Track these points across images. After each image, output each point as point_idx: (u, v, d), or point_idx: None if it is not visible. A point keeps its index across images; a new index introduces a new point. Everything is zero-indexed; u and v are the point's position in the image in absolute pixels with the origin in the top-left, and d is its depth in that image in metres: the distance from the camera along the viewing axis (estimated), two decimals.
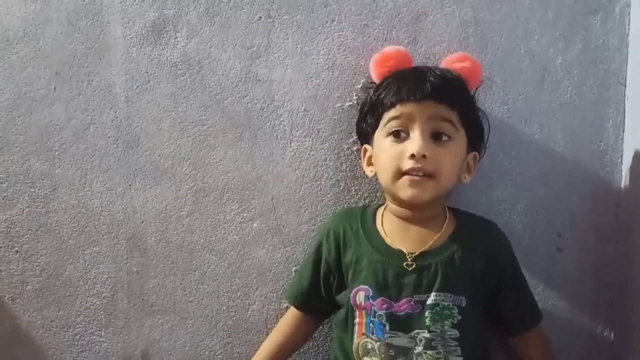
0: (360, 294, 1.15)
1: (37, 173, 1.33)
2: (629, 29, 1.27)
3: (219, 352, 1.35)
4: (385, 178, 1.14)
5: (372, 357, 1.13)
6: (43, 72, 1.31)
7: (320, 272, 1.21)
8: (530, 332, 1.20)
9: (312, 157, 1.31)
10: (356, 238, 1.18)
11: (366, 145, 1.21)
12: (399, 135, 1.13)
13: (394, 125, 1.13)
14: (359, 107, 1.25)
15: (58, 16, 1.30)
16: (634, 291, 1.23)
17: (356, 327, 1.15)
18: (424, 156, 1.09)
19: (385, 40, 1.28)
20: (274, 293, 1.33)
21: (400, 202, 1.15)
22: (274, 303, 1.33)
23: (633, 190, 1.25)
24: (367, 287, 1.14)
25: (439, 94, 1.11)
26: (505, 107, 1.29)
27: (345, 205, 1.30)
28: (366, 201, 1.30)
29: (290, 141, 1.31)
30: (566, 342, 1.27)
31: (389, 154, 1.13)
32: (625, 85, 1.28)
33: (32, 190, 1.33)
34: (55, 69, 1.31)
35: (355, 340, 1.15)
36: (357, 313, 1.15)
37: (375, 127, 1.17)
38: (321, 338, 1.32)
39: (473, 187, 1.29)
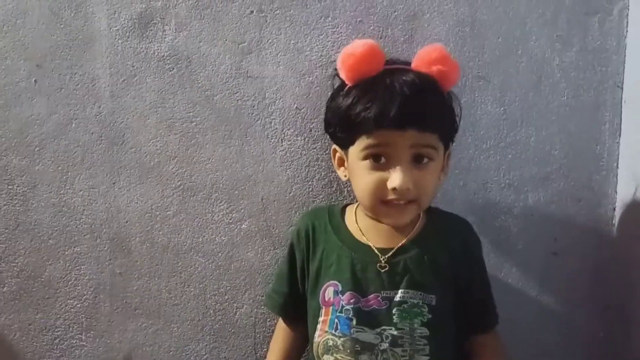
0: (329, 290, 1.13)
1: (15, 169, 1.28)
2: (626, 31, 1.26)
3: (205, 357, 1.31)
4: (365, 203, 1.11)
5: (334, 354, 1.11)
6: (23, 64, 1.26)
7: (297, 275, 1.18)
8: (485, 336, 1.16)
9: (304, 157, 1.28)
10: (325, 234, 1.16)
11: (336, 147, 1.15)
12: (378, 159, 1.07)
13: (371, 151, 1.07)
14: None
15: (40, 6, 1.25)
16: (630, 295, 1.23)
17: (319, 326, 1.13)
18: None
19: (380, 38, 1.25)
20: (262, 296, 1.29)
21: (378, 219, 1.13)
22: (262, 306, 1.30)
23: (629, 194, 1.24)
24: (336, 282, 1.12)
25: (421, 123, 1.05)
26: (502, 108, 1.27)
27: None
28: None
29: (282, 140, 1.27)
30: (562, 346, 1.26)
31: (369, 180, 1.07)
32: (622, 88, 1.27)
33: (10, 187, 1.28)
34: (36, 61, 1.26)
35: (317, 339, 1.13)
36: (322, 311, 1.13)
37: (348, 143, 1.10)
38: None
39: (468, 189, 1.28)
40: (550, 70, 1.26)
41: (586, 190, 1.28)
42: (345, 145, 1.12)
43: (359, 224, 1.15)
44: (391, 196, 1.07)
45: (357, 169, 1.10)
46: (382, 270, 1.11)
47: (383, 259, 1.11)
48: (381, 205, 1.08)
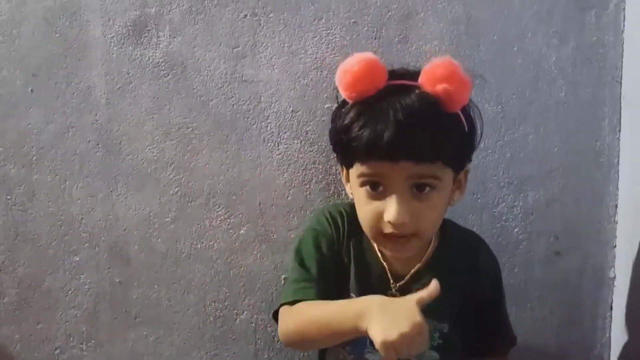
0: None
1: (13, 179, 1.27)
2: (624, 25, 1.25)
3: None
4: (366, 231, 1.05)
5: None
6: (19, 74, 1.26)
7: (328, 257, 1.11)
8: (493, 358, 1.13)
9: (301, 160, 1.27)
10: (346, 238, 1.11)
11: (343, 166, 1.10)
12: (375, 187, 1.00)
13: (367, 179, 1.01)
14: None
15: (34, 15, 1.24)
16: (634, 294, 1.20)
17: None
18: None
19: (375, 39, 1.25)
20: (262, 302, 1.28)
21: None
22: (262, 312, 1.28)
23: (631, 191, 1.22)
24: (353, 295, 1.09)
25: (416, 155, 0.96)
26: (499, 106, 1.26)
27: None
28: None
29: (278, 144, 1.26)
30: (565, 346, 1.24)
31: (367, 209, 1.02)
32: (621, 83, 1.26)
33: (8, 197, 1.28)
34: (32, 71, 1.26)
35: (331, 347, 1.11)
36: None
37: (348, 165, 1.06)
38: None
39: (467, 190, 1.24)
40: (547, 67, 1.26)
41: (587, 187, 1.27)
42: (346, 166, 1.07)
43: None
44: (388, 229, 1.00)
45: (356, 194, 1.05)
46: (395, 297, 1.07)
47: (394, 287, 1.08)
48: (381, 237, 1.02)
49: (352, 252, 1.11)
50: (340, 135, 1.03)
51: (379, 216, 1.00)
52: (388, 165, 0.97)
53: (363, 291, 1.07)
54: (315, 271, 1.08)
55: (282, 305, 1.07)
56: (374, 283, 1.09)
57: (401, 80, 1.02)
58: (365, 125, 0.97)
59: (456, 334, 1.09)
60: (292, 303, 1.05)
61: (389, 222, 0.98)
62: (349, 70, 1.01)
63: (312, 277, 1.08)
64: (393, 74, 1.03)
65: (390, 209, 0.98)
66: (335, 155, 1.14)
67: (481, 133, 1.07)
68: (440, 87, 0.97)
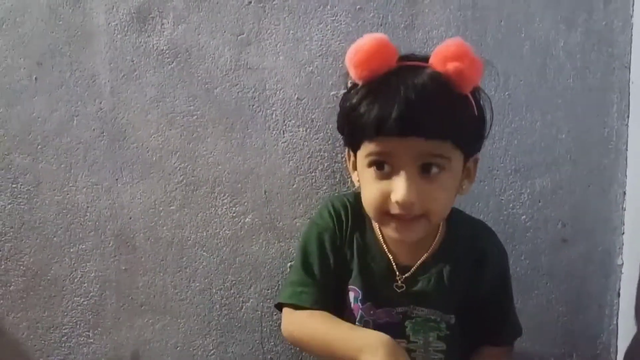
0: (351, 294, 1.09)
1: (19, 168, 1.27)
2: (632, 10, 1.23)
3: (212, 351, 1.30)
4: (370, 214, 1.03)
5: None
6: (23, 63, 1.25)
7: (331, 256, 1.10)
8: (497, 347, 1.12)
9: (306, 148, 1.26)
10: (350, 232, 1.10)
11: (350, 151, 1.08)
12: (382, 167, 0.98)
13: (375, 158, 0.98)
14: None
15: (38, 3, 1.24)
16: None
17: None
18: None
19: (381, 25, 1.23)
20: (268, 290, 1.28)
21: None
22: (268, 300, 1.28)
23: (639, 177, 1.21)
24: (356, 288, 1.08)
25: (426, 131, 0.94)
26: (506, 93, 1.25)
27: None
28: None
29: (283, 131, 1.26)
30: (572, 334, 1.23)
31: (373, 190, 0.99)
32: (629, 69, 1.24)
33: (14, 186, 1.28)
34: (36, 59, 1.25)
35: None
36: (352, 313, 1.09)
37: (355, 147, 1.03)
38: None
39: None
40: (555, 53, 1.24)
41: (595, 174, 1.26)
42: (353, 148, 1.05)
43: (382, 231, 1.08)
44: (395, 210, 0.97)
45: (363, 176, 1.03)
46: (401, 289, 1.07)
47: (400, 279, 1.07)
48: (386, 217, 1.00)
49: (355, 245, 1.10)
50: (349, 113, 1.01)
51: (386, 196, 0.98)
52: (397, 141, 0.95)
53: (367, 285, 1.07)
54: (317, 270, 1.09)
55: (282, 304, 1.10)
56: (379, 276, 1.08)
57: (411, 62, 1.00)
58: (375, 101, 0.96)
59: (463, 324, 1.08)
60: (293, 305, 1.08)
61: (397, 202, 0.96)
62: (360, 49, 0.99)
63: (312, 278, 1.08)
64: (403, 57, 1.02)
65: (398, 188, 0.96)
66: (342, 139, 1.11)
67: (491, 122, 1.05)
68: (451, 66, 0.96)
